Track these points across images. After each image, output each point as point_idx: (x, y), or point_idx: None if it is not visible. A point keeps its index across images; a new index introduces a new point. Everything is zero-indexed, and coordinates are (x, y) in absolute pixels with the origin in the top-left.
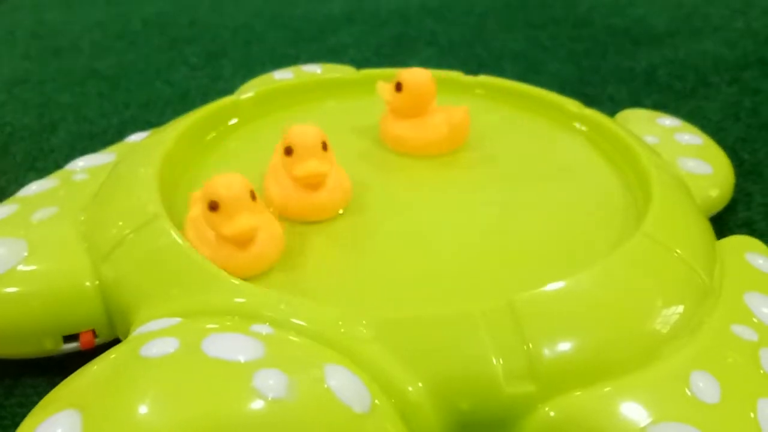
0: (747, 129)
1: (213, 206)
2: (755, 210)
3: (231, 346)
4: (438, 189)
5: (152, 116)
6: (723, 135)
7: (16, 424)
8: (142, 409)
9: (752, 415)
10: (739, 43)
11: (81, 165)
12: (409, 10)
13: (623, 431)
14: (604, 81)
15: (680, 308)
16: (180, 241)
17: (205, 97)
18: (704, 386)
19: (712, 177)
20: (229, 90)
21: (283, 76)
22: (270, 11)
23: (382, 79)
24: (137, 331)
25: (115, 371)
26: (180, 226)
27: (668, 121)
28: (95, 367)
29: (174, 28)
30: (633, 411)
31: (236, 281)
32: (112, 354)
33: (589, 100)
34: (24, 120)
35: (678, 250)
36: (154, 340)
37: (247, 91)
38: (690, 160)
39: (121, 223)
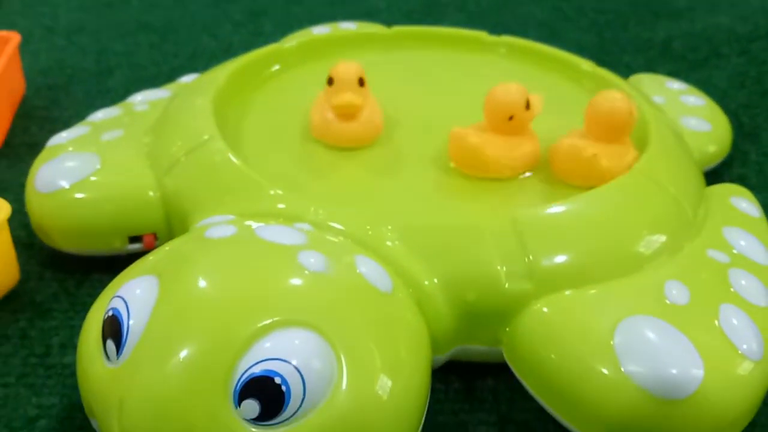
0: (750, 96)
1: (329, 81)
2: (750, 167)
3: (279, 233)
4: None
5: (199, 66)
6: (727, 101)
7: (86, 310)
8: (206, 276)
9: (714, 314)
10: (752, 17)
11: (140, 98)
12: None
13: (601, 322)
14: (622, 50)
15: (664, 234)
16: (234, 158)
17: (248, 51)
18: (677, 292)
19: (710, 134)
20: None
21: (321, 30)
22: None
23: (414, 35)
24: (200, 223)
25: (185, 248)
26: (229, 148)
27: (676, 84)
28: (168, 247)
29: None
30: (612, 306)
31: (280, 191)
32: (183, 236)
33: (606, 66)
34: (83, 64)
35: (668, 187)
36: (215, 227)
37: (291, 41)
38: (692, 118)
39: (180, 143)
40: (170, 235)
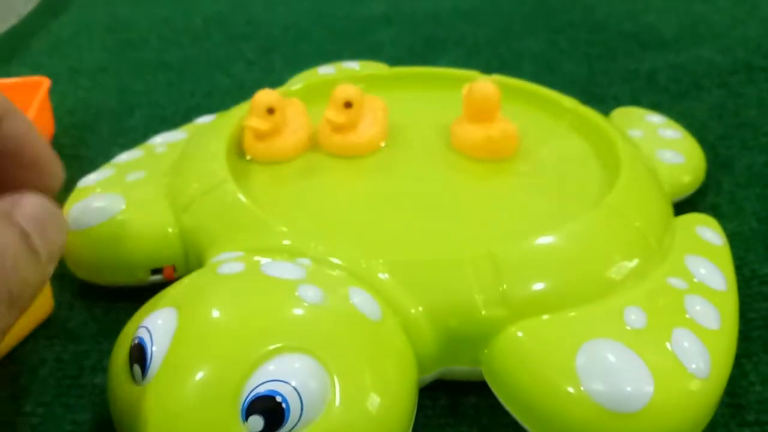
0: (726, 127)
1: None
2: (722, 196)
3: (281, 269)
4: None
5: (214, 104)
6: (705, 133)
7: (113, 338)
8: (221, 309)
9: (667, 337)
10: (732, 50)
11: (159, 141)
12: (441, 12)
13: (566, 345)
14: (610, 82)
15: (629, 263)
16: (243, 198)
17: (260, 88)
18: (635, 317)
19: (684, 166)
20: (279, 82)
21: (325, 71)
22: (316, 11)
23: (411, 76)
24: (213, 259)
25: (200, 282)
26: (240, 189)
27: (655, 118)
28: (186, 280)
29: (231, 26)
30: (576, 330)
31: (284, 229)
32: (198, 272)
33: (594, 99)
34: (108, 103)
35: (635, 221)
36: (226, 264)
37: (296, 84)
38: (667, 151)
39: (196, 185)
40: (188, 267)
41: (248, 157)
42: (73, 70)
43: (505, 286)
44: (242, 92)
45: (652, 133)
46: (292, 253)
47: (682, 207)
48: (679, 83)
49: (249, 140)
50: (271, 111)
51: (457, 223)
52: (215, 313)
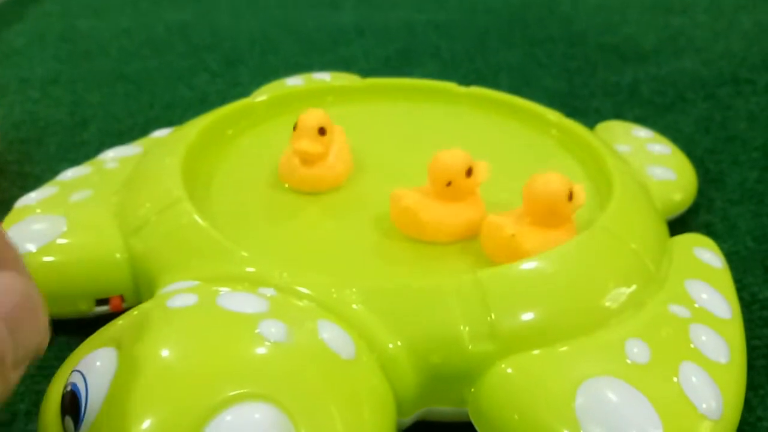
0: (715, 141)
1: (295, 127)
2: (715, 214)
3: (240, 301)
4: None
5: (174, 117)
6: (693, 147)
7: (52, 375)
8: (168, 349)
9: (674, 372)
10: (717, 63)
11: (111, 155)
12: (416, 24)
13: (563, 384)
14: (591, 95)
15: (626, 290)
16: (200, 220)
17: (224, 101)
18: (638, 351)
19: (676, 183)
20: (245, 95)
21: (294, 82)
22: (285, 22)
23: (385, 87)
24: (163, 290)
25: (146, 318)
26: (196, 209)
27: (642, 132)
28: (128, 316)
29: (195, 36)
30: (573, 367)
31: (245, 254)
32: (142, 306)
33: (575, 112)
34: (57, 116)
35: (631, 243)
36: (177, 295)
37: (262, 95)
38: (657, 167)
39: (149, 205)
40: (138, 298)
41: (286, 185)
42: (23, 80)
43: (493, 316)
44: (205, 105)
45: (640, 149)
46: (254, 282)
47: (673, 226)
48: (663, 96)
49: (291, 165)
50: (322, 131)
51: (439, 247)
52: (161, 355)
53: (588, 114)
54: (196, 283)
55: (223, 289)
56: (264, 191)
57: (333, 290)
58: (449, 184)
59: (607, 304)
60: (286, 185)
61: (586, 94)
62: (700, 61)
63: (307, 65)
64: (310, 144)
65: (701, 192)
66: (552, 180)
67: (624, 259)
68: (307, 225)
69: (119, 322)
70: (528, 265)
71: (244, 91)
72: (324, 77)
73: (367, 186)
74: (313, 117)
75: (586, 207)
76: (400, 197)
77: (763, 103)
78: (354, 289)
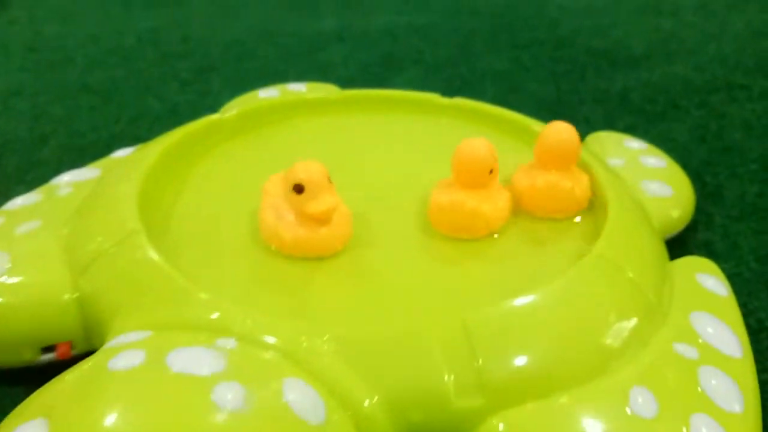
0: (711, 152)
1: (298, 189)
2: (714, 231)
3: (194, 360)
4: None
5: (141, 131)
6: (688, 157)
7: None
8: (106, 421)
9: (685, 429)
10: (709, 67)
11: (66, 180)
12: (397, 29)
13: None
14: (580, 102)
15: (627, 327)
16: (155, 256)
17: (194, 113)
18: (642, 401)
19: (672, 199)
20: (217, 106)
21: (268, 94)
22: (261, 28)
23: (363, 99)
24: (108, 344)
25: (83, 383)
26: (158, 242)
27: (635, 143)
28: (65, 378)
29: (166, 44)
30: (572, 423)
31: (205, 296)
32: (81, 366)
33: (565, 120)
34: (17, 131)
35: (629, 272)
36: (122, 352)
37: (231, 110)
38: (653, 182)
39: (100, 238)
40: (89, 344)
41: (273, 247)
42: None
43: (480, 362)
44: (174, 117)
45: (634, 162)
46: (213, 330)
47: (671, 246)
48: (654, 103)
49: (298, 234)
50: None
51: (419, 287)
52: (97, 428)
53: (578, 122)
54: (147, 334)
55: (177, 340)
56: (232, 222)
57: (303, 339)
58: (491, 171)
59: (608, 343)
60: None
61: (575, 101)
62: (692, 66)
63: (284, 72)
64: (332, 197)
65: (699, 207)
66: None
67: (623, 290)
68: (276, 264)
69: (52, 387)
70: (518, 302)
71: (216, 101)
72: (299, 88)
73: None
74: (318, 170)
75: (578, 230)
76: (460, 202)
77: (759, 110)
78: (326, 337)
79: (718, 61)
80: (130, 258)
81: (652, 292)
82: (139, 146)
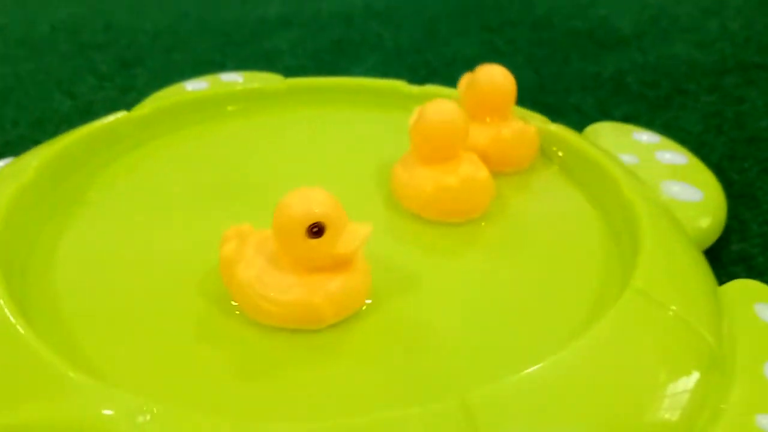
0: (732, 144)
1: (318, 230)
2: (751, 241)
3: None
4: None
5: (45, 136)
6: (706, 151)
7: None
8: None
9: None
10: (715, 45)
11: None
12: (352, 12)
13: None
14: (567, 89)
15: (686, 390)
16: (11, 316)
17: (111, 112)
18: None
19: (702, 204)
20: (138, 103)
21: (196, 86)
22: (197, 14)
23: (312, 89)
24: None
25: None
26: (18, 298)
27: (645, 136)
28: None
29: (86, 33)
30: None
31: (74, 375)
32: None
33: (552, 111)
34: None
35: (674, 307)
36: None
37: (148, 106)
38: (674, 183)
39: None
40: None
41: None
42: None
43: None
44: (87, 118)
45: (649, 158)
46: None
47: None
48: (655, 88)
49: (318, 306)
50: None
51: (401, 355)
52: None
53: (566, 113)
54: None
55: None
56: (135, 267)
57: None
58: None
59: (661, 418)
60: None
61: (560, 88)
62: (693, 44)
63: (221, 64)
64: (361, 228)
65: (729, 212)
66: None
67: (672, 335)
68: (196, 324)
69: None
70: (535, 372)
71: (139, 98)
72: (234, 79)
73: None
74: (330, 200)
75: (599, 258)
76: (438, 179)
77: None
78: None
79: (724, 39)
80: None
81: (710, 333)
82: (16, 158)
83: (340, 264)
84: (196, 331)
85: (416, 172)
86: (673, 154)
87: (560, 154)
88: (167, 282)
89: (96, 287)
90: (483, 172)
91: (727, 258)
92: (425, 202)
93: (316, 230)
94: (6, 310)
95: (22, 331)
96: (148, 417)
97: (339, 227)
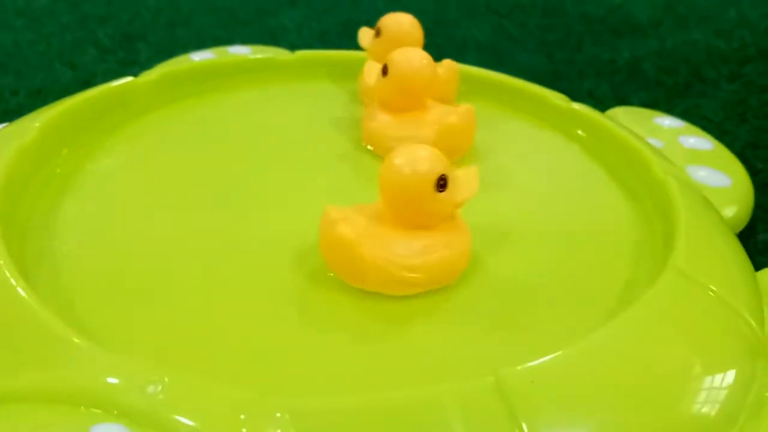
0: (757, 132)
1: (444, 183)
2: None
3: None
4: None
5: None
6: (729, 139)
7: None
8: None
9: None
10: (735, 33)
11: None
12: None
13: None
14: (581, 74)
15: (730, 376)
16: (12, 280)
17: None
18: None
19: (729, 190)
20: None
21: (203, 57)
22: None
23: (321, 62)
24: None
25: None
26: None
27: (668, 121)
28: None
29: (87, 5)
30: None
31: (80, 341)
32: None
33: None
34: None
35: (715, 288)
36: None
37: (155, 73)
38: (700, 168)
39: None
40: None
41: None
42: None
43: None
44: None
45: (672, 143)
46: (92, 405)
47: None
48: (674, 75)
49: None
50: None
51: (431, 331)
52: None
53: (580, 98)
54: None
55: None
56: (144, 239)
57: (243, 416)
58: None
59: (704, 404)
60: None
61: (573, 73)
62: (713, 32)
63: (225, 40)
64: (467, 172)
65: (755, 200)
66: (417, 158)
67: (714, 318)
68: (208, 292)
69: None
70: (572, 351)
71: (141, 71)
72: (242, 51)
73: (302, 212)
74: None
75: (631, 239)
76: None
77: None
78: (278, 415)
79: (744, 26)
80: None
81: (753, 317)
82: (19, 120)
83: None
84: (204, 298)
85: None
86: (697, 139)
87: (580, 133)
88: (170, 251)
89: (97, 253)
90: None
91: (754, 248)
92: None
93: (443, 183)
94: (6, 272)
95: (14, 284)
96: (159, 387)
97: (453, 176)
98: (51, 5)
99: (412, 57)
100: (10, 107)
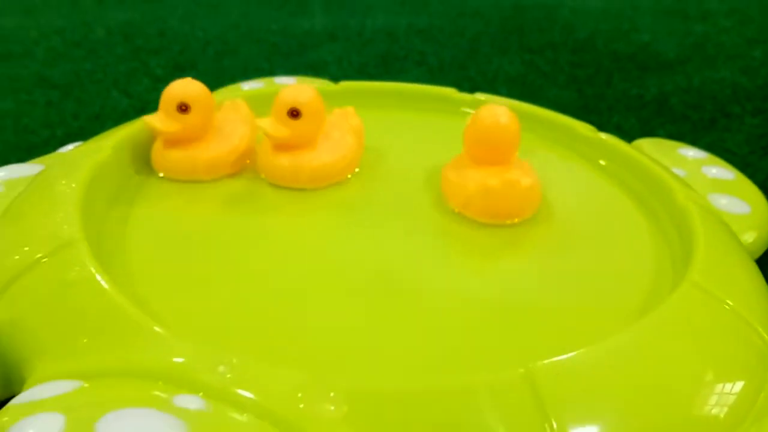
0: None
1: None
2: None
3: (137, 431)
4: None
5: (103, 129)
6: (751, 171)
7: None
8: None
9: None
10: (760, 72)
11: (1, 176)
12: (396, 29)
13: None
14: (610, 109)
15: (740, 382)
16: (98, 275)
17: None
18: None
19: (749, 217)
20: None
21: (252, 86)
22: (246, 24)
23: (363, 92)
24: (18, 399)
25: None
26: (103, 257)
27: (692, 152)
28: None
29: (140, 38)
30: None
31: (160, 330)
32: None
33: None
34: None
35: (730, 302)
36: (33, 416)
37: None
38: (722, 196)
39: (27, 249)
40: (6, 388)
41: (160, 174)
42: None
43: (555, 425)
44: (142, 115)
45: (696, 172)
46: (171, 382)
47: None
48: (700, 110)
49: (157, 148)
50: (183, 108)
51: (468, 327)
52: None
53: (609, 130)
54: (74, 386)
55: (114, 399)
56: (205, 237)
57: (300, 395)
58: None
59: (717, 405)
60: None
61: (603, 107)
62: (739, 70)
63: (269, 71)
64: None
65: None
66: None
67: (728, 329)
68: (267, 286)
69: None
70: (598, 350)
71: None
72: (288, 81)
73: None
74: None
75: (652, 256)
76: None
77: None
78: (332, 394)
79: None
80: (63, 276)
81: (766, 332)
82: (91, 140)
83: None
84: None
85: (464, 172)
86: (719, 170)
87: (604, 162)
88: (222, 250)
89: (164, 250)
90: (528, 179)
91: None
92: (466, 199)
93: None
94: (90, 266)
95: (99, 280)
96: (229, 367)
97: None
98: (106, 38)
99: (496, 112)
100: (72, 130)
